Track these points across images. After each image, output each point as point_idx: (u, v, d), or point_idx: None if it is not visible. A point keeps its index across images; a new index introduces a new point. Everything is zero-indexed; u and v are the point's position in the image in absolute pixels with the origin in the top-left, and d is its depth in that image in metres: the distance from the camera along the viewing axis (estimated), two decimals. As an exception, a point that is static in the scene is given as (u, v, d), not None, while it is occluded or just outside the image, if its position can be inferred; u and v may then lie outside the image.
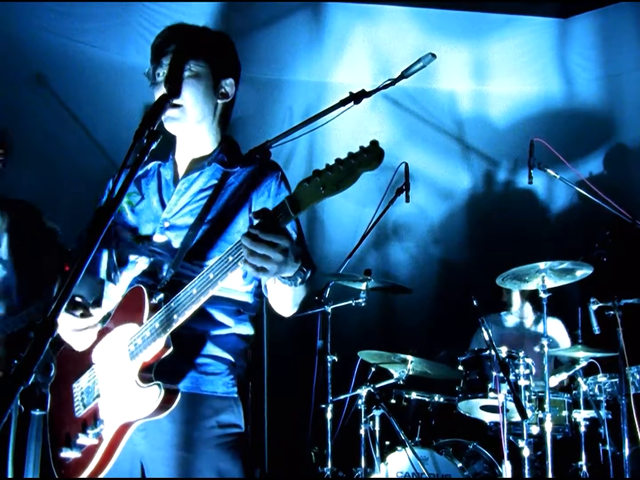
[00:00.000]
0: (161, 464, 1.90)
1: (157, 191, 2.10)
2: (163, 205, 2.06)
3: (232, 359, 2.01)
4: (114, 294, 2.09)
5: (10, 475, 2.55)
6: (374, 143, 1.56)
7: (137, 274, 2.01)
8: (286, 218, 1.63)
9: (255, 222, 1.63)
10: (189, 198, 2.05)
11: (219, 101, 2.13)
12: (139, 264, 2.02)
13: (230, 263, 1.70)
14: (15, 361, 1.28)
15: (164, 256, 1.99)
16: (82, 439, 1.91)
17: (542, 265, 3.92)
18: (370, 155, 1.55)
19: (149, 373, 1.85)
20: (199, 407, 1.93)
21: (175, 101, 1.98)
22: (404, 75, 2.82)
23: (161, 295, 1.89)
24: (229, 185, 2.05)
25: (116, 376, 1.91)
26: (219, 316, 1.99)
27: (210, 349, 1.97)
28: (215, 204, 2.01)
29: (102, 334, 2.01)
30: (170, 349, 1.83)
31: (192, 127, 2.07)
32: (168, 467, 1.90)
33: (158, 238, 2.02)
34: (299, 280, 1.77)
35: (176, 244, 1.99)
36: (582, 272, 4.00)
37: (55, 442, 2.04)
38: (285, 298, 1.93)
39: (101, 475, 1.89)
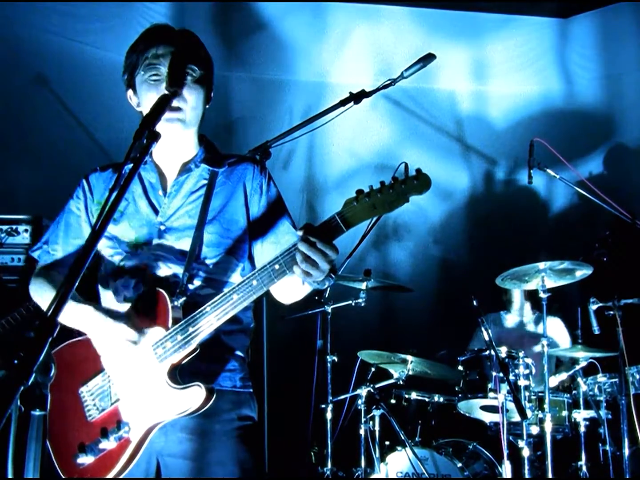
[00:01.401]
0: (182, 457, 1.94)
1: (144, 195, 2.10)
2: (154, 209, 2.07)
3: (243, 355, 2.09)
4: (116, 300, 2.07)
5: (10, 475, 2.54)
6: (420, 171, 1.70)
7: (145, 279, 2.01)
8: (338, 233, 1.74)
9: (308, 231, 1.73)
10: (181, 200, 2.07)
11: (207, 105, 2.16)
12: (145, 269, 2.02)
13: (277, 271, 1.79)
14: (15, 361, 1.28)
15: (169, 259, 2.01)
16: (104, 444, 1.92)
17: (542, 265, 3.92)
18: (420, 183, 1.70)
19: (174, 374, 1.89)
20: (219, 401, 1.95)
21: (178, 104, 2.00)
22: (404, 75, 2.83)
23: (182, 299, 1.93)
24: (220, 184, 2.10)
25: (140, 379, 1.92)
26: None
27: (225, 346, 2.03)
28: (211, 203, 2.05)
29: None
30: (197, 351, 1.88)
31: (188, 130, 2.09)
32: (190, 460, 1.93)
33: (157, 242, 2.03)
34: (327, 284, 1.86)
35: (179, 245, 2.02)
36: (582, 272, 4.00)
37: (64, 449, 2.02)
38: (299, 294, 2.03)
39: (122, 476, 1.91)
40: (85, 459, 1.94)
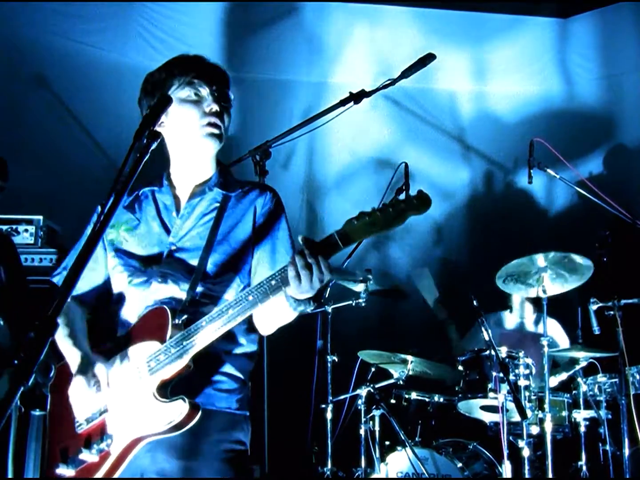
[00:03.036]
0: (166, 476, 1.91)
1: (157, 216, 2.13)
2: (166, 230, 2.10)
3: (243, 378, 2.07)
4: (124, 316, 2.09)
5: (10, 475, 2.54)
6: (421, 191, 1.82)
7: (152, 296, 2.03)
8: (336, 250, 1.80)
9: (305, 241, 1.78)
10: (193, 222, 2.10)
11: None
12: (153, 285, 2.03)
13: (273, 287, 1.82)
14: (15, 361, 1.28)
15: (177, 277, 2.02)
16: (85, 455, 1.91)
17: (541, 262, 3.93)
18: (419, 202, 1.83)
19: (165, 390, 1.88)
20: (212, 421, 1.95)
21: (219, 122, 2.08)
22: (404, 75, 2.83)
23: (185, 316, 1.94)
24: (231, 207, 2.12)
25: (129, 391, 1.92)
26: (233, 334, 2.03)
27: (224, 366, 2.02)
28: (221, 225, 2.08)
29: (111, 352, 2.02)
30: (191, 368, 1.88)
31: (215, 151, 2.14)
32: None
33: (166, 260, 2.05)
34: (307, 308, 1.89)
35: (187, 264, 2.04)
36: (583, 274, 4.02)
37: (51, 458, 2.01)
38: (282, 319, 2.01)
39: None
40: (65, 471, 1.92)
